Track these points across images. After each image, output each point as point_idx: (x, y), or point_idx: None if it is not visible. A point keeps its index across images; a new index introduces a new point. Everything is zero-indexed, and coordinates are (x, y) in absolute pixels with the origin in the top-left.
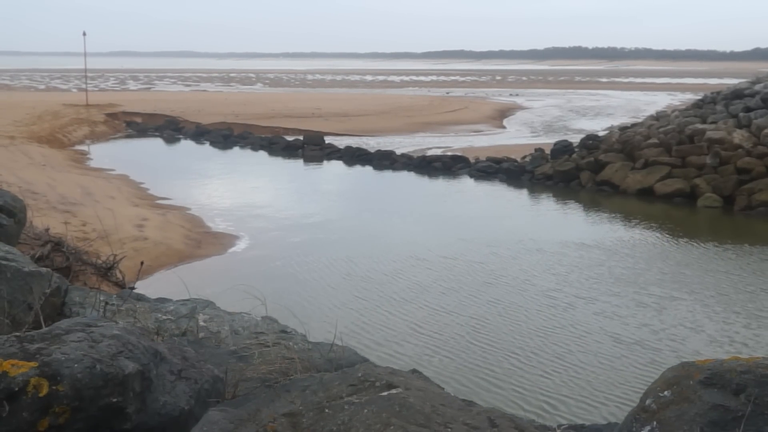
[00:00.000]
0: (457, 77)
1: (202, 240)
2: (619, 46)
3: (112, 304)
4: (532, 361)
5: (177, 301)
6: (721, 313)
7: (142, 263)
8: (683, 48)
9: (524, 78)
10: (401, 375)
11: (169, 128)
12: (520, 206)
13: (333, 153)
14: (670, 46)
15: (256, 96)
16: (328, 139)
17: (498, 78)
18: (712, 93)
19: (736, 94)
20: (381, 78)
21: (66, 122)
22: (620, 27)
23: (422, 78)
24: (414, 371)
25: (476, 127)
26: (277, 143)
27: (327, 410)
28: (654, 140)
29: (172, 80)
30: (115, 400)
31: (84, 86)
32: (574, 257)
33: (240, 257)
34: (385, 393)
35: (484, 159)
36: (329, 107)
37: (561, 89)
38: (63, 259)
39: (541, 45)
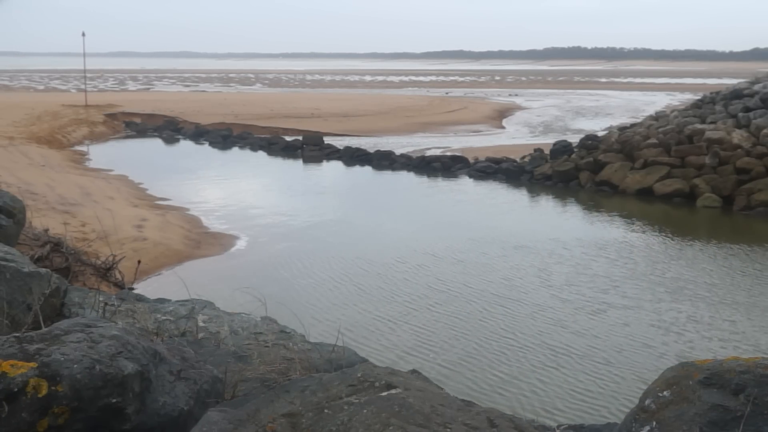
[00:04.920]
0: (456, 77)
1: (201, 240)
2: (618, 46)
3: (112, 305)
4: (543, 355)
5: (176, 301)
6: (720, 313)
7: (139, 262)
8: (682, 48)
9: (523, 78)
10: (401, 375)
11: (169, 128)
12: (520, 207)
13: (332, 153)
14: (669, 47)
15: (255, 96)
16: (327, 140)
17: (497, 78)
18: (711, 93)
19: (735, 94)
20: (380, 78)
21: (65, 123)
22: (619, 27)
23: (421, 78)
24: (413, 371)
25: (475, 128)
26: (276, 144)
27: (326, 410)
28: (653, 140)
29: (171, 81)
30: (114, 400)
31: (83, 87)
32: (572, 257)
33: (239, 257)
34: (384, 393)
35: (484, 159)
36: (328, 107)
37: (560, 89)
38: (62, 260)
39: (540, 45)
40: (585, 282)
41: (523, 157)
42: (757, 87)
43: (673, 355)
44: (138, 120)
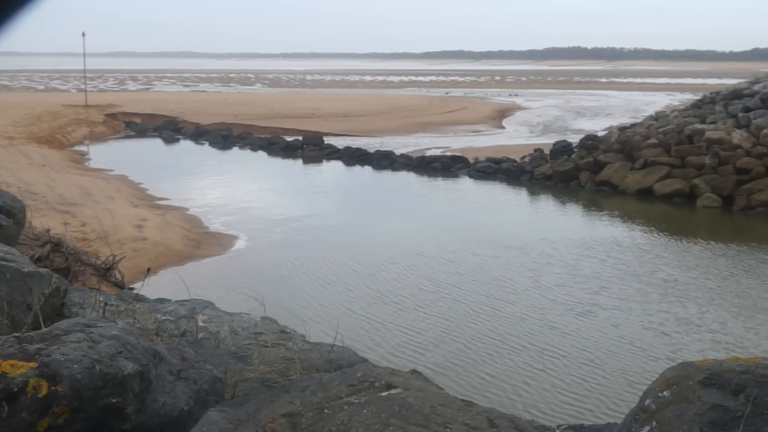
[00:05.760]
0: (456, 77)
1: (201, 240)
2: (618, 46)
3: (112, 305)
4: (537, 354)
5: (176, 301)
6: (719, 313)
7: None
8: (682, 48)
9: (523, 78)
10: (400, 375)
11: (169, 128)
12: (520, 207)
13: (332, 153)
14: (669, 47)
15: (255, 96)
16: (327, 140)
17: (497, 78)
18: (711, 93)
19: (735, 94)
20: (380, 78)
21: (65, 123)
22: (619, 27)
23: (421, 78)
24: (413, 371)
25: (475, 128)
26: (276, 144)
27: (326, 410)
28: (653, 140)
29: (171, 81)
30: (114, 400)
31: (83, 87)
32: (569, 258)
33: (239, 257)
34: (384, 393)
35: (484, 159)
36: (328, 107)
37: (560, 89)
38: (62, 260)
39: (540, 45)
40: (582, 283)
41: (523, 157)
42: (757, 87)
43: (667, 354)
44: (138, 120)
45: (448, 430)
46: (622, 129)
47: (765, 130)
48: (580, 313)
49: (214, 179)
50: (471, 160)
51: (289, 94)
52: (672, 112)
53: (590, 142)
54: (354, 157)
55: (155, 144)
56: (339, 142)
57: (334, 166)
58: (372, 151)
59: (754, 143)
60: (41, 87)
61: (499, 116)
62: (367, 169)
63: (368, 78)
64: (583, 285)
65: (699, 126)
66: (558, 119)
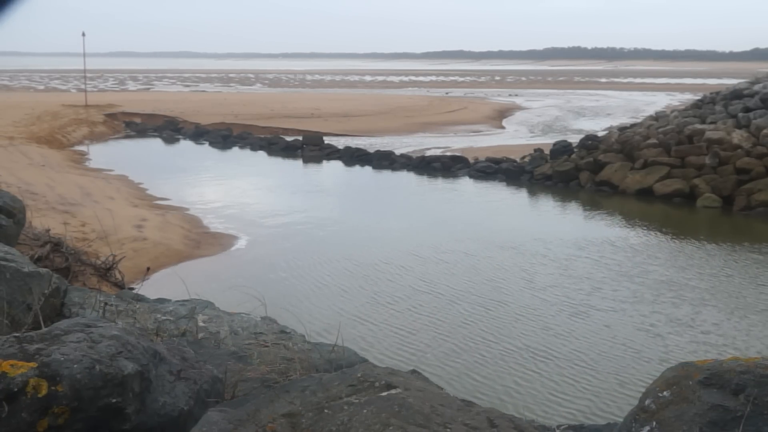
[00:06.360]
0: (456, 77)
1: (201, 240)
2: (618, 46)
3: (112, 305)
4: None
5: (176, 301)
6: (713, 314)
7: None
8: (682, 48)
9: (523, 78)
10: (400, 375)
11: (169, 128)
12: (518, 207)
13: (332, 153)
14: (669, 47)
15: (255, 96)
16: (327, 140)
17: (497, 78)
18: (711, 93)
19: (735, 94)
20: (380, 78)
21: (65, 123)
22: (619, 27)
23: (421, 78)
24: (413, 371)
25: (475, 128)
26: (276, 144)
27: (326, 410)
28: (653, 140)
29: (171, 81)
30: (114, 400)
31: (83, 87)
32: (566, 258)
33: (239, 257)
34: (384, 393)
35: (484, 159)
36: (328, 107)
37: (560, 89)
38: (62, 260)
39: (540, 45)
40: (576, 283)
41: (523, 157)
42: (757, 87)
43: (667, 355)
44: (138, 120)
45: (448, 430)
46: (622, 129)
47: (765, 130)
48: (573, 313)
49: (214, 179)
50: (471, 160)
51: (289, 94)
52: (672, 112)
53: (590, 142)
54: (354, 157)
55: (155, 144)
56: (339, 142)
57: (334, 166)
58: (372, 151)
59: (754, 143)
60: (41, 87)
61: (499, 116)
62: (367, 169)
63: (368, 78)
64: (578, 285)
65: (699, 126)
66: (558, 119)
